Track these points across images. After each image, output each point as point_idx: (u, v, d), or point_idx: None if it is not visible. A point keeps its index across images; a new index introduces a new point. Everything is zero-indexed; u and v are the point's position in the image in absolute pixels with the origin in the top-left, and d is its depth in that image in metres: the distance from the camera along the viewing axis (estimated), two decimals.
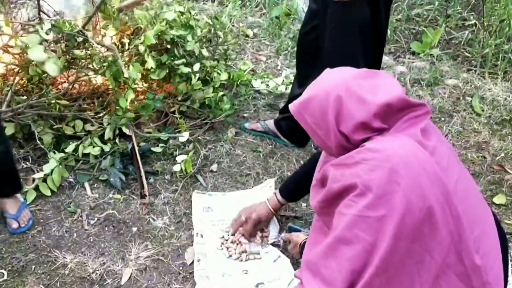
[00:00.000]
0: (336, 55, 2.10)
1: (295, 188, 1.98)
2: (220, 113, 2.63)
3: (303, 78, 2.36)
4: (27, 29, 2.29)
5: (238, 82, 2.92)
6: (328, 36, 2.13)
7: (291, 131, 2.54)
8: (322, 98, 1.35)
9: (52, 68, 2.00)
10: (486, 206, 1.45)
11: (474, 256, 1.26)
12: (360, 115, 1.30)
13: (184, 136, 2.41)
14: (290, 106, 1.45)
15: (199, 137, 2.57)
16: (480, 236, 1.30)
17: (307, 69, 2.34)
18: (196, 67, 2.53)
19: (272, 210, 2.00)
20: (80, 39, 2.26)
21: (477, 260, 1.26)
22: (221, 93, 2.65)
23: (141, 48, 2.32)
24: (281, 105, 2.87)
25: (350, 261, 1.26)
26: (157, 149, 2.43)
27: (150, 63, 2.31)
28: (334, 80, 1.37)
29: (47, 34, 2.09)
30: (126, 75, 2.15)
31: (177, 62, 2.48)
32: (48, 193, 2.18)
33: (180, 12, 2.54)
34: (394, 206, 1.21)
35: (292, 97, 2.44)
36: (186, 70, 2.49)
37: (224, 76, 2.69)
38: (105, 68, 2.23)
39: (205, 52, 2.60)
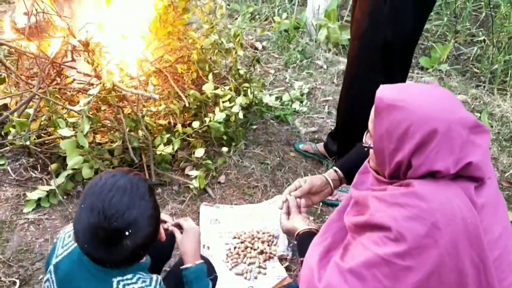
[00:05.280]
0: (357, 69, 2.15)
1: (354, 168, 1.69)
2: (231, 124, 2.60)
3: None
4: None
5: (254, 103, 2.84)
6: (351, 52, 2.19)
7: (339, 151, 2.44)
8: (414, 119, 1.20)
9: (86, 172, 2.09)
10: None
11: None
12: (441, 165, 1.20)
13: (200, 152, 2.39)
14: (380, 96, 1.25)
15: (209, 150, 2.56)
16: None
17: None
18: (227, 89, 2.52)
19: (329, 180, 1.83)
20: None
21: None
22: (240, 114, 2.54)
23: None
24: (289, 118, 2.88)
25: None
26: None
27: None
28: (439, 109, 1.22)
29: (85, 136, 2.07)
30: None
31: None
32: (47, 204, 2.18)
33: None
34: (424, 261, 1.16)
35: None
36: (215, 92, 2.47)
37: (243, 100, 2.58)
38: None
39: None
